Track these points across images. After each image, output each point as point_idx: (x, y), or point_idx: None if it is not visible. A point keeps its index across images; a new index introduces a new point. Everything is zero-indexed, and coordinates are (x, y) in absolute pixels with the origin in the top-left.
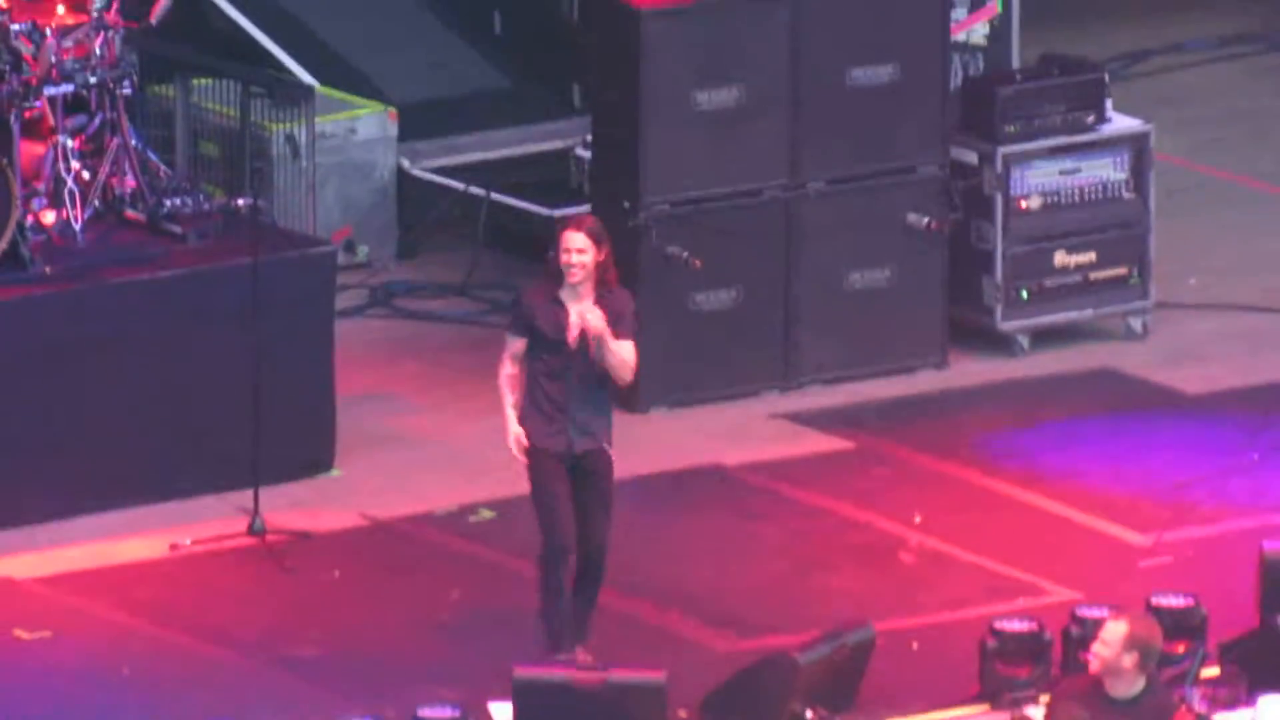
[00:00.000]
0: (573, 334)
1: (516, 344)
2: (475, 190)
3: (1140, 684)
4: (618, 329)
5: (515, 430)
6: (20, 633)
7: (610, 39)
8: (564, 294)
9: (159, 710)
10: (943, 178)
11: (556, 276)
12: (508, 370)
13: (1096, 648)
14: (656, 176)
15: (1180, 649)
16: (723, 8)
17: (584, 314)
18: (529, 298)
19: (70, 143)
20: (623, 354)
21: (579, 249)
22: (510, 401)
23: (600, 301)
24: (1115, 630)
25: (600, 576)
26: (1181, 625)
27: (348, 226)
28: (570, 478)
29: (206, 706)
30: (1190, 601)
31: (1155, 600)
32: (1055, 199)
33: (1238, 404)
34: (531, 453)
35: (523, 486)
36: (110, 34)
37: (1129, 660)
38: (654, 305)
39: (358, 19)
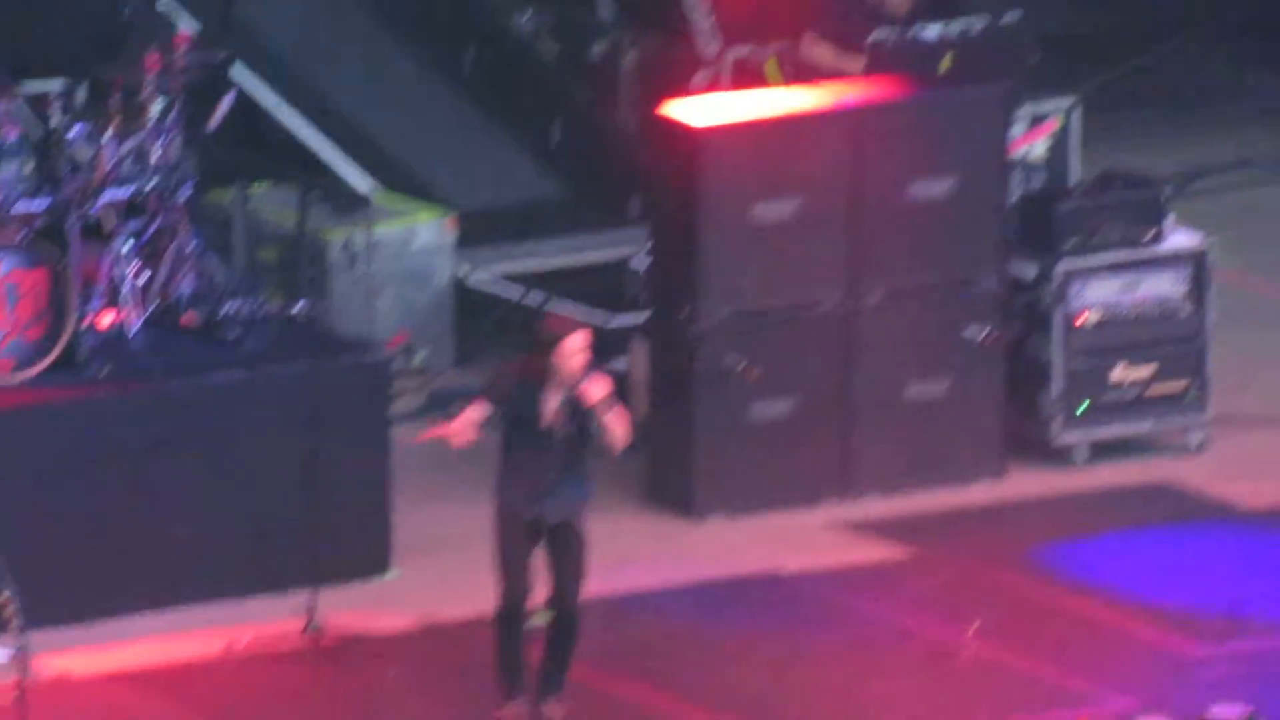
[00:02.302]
0: (556, 415)
1: (484, 410)
2: (531, 298)
3: None
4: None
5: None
6: None
7: (669, 154)
8: (548, 379)
9: None
10: (1000, 291)
11: (543, 367)
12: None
13: None
14: (714, 288)
15: None
16: (782, 124)
17: (589, 388)
18: (513, 372)
19: (128, 246)
20: (623, 421)
21: (584, 348)
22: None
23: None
24: None
25: (573, 635)
26: None
27: (405, 332)
28: (541, 543)
29: None
30: (1247, 710)
31: (1214, 711)
32: (1114, 313)
33: None
34: (503, 516)
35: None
36: (169, 139)
37: None
38: (711, 415)
39: (418, 126)
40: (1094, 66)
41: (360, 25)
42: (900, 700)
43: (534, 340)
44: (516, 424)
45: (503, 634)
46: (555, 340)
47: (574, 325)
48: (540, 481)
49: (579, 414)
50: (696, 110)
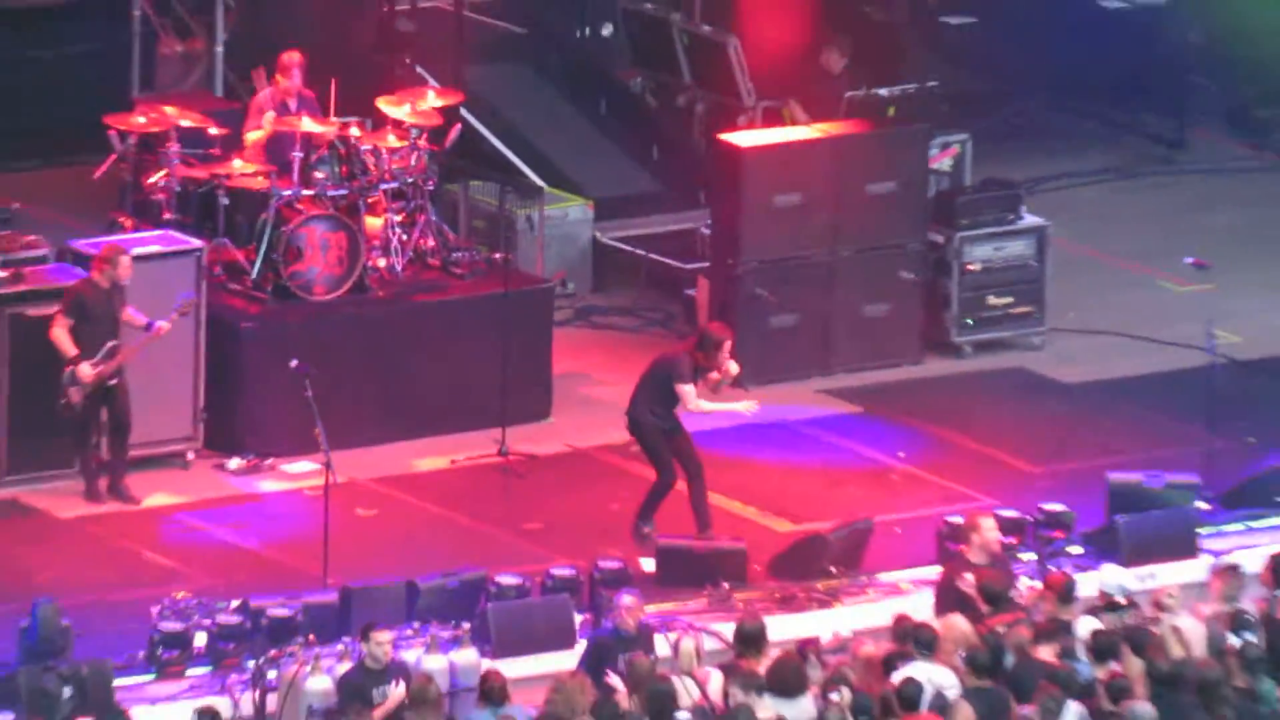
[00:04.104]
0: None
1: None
2: (639, 251)
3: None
4: None
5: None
6: (359, 511)
7: (723, 165)
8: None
9: (443, 558)
10: (922, 250)
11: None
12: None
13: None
14: (748, 246)
15: (1060, 535)
16: (793, 146)
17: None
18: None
19: (395, 218)
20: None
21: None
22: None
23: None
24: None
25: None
26: (1058, 522)
27: (561, 271)
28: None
29: (470, 556)
30: (1065, 508)
31: (1043, 505)
32: (989, 265)
33: (1099, 390)
34: (656, 429)
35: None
36: (420, 152)
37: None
38: (745, 324)
39: (572, 148)
40: (980, 113)
41: (539, 86)
42: (856, 498)
43: (703, 340)
44: (672, 395)
45: (656, 496)
46: (720, 343)
47: (729, 332)
48: (670, 418)
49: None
50: (740, 138)
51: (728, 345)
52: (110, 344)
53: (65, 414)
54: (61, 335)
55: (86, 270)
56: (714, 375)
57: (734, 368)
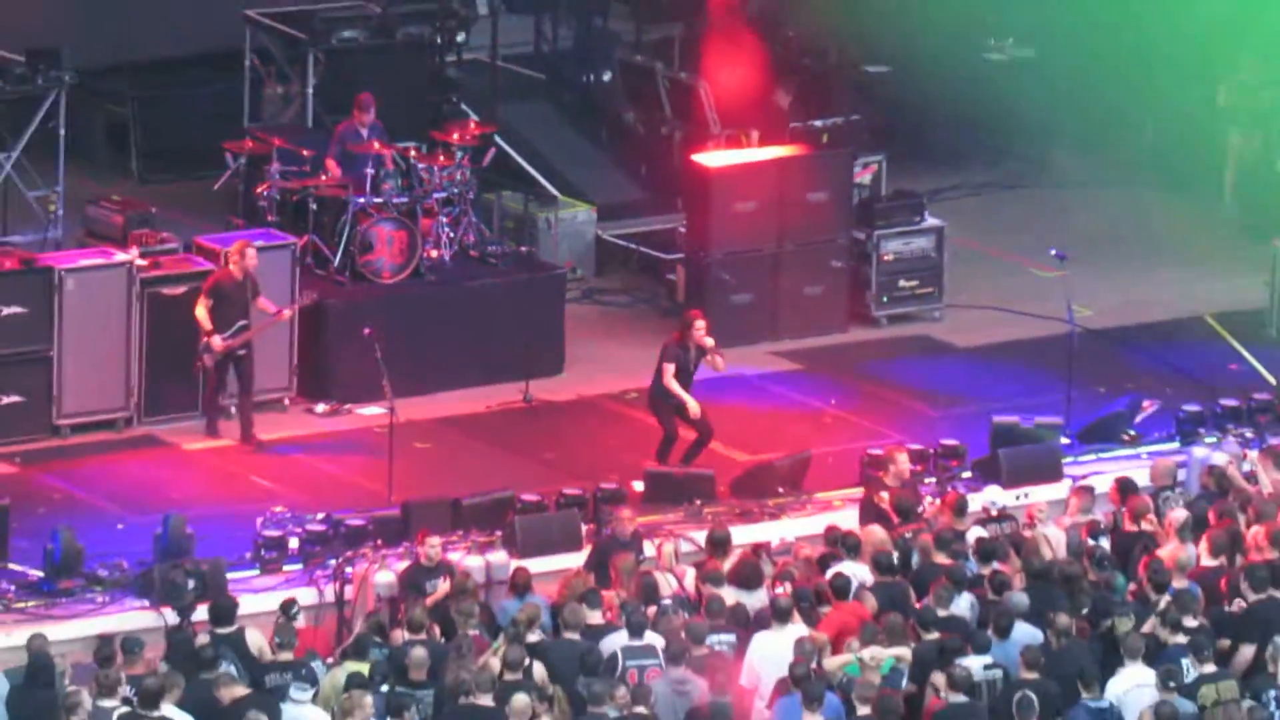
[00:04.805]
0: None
1: (673, 366)
2: (629, 244)
3: None
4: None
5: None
6: (417, 444)
7: (695, 180)
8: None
9: (481, 481)
10: (848, 245)
11: (685, 340)
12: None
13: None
14: (714, 240)
15: (955, 464)
16: (749, 167)
17: (712, 353)
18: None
19: (444, 219)
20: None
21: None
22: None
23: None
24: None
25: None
26: (953, 454)
27: (570, 261)
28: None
29: (501, 480)
30: (958, 443)
31: (942, 440)
32: (900, 255)
33: (985, 352)
34: (669, 405)
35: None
36: (464, 169)
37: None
38: (713, 301)
39: (579, 164)
40: (893, 140)
41: (555, 119)
42: (798, 435)
43: (680, 321)
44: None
45: (697, 449)
46: (690, 322)
47: (699, 313)
48: (690, 386)
49: (698, 359)
50: (708, 158)
51: (697, 323)
52: (241, 323)
53: (198, 374)
54: (202, 313)
55: (212, 261)
56: (713, 355)
57: (709, 341)
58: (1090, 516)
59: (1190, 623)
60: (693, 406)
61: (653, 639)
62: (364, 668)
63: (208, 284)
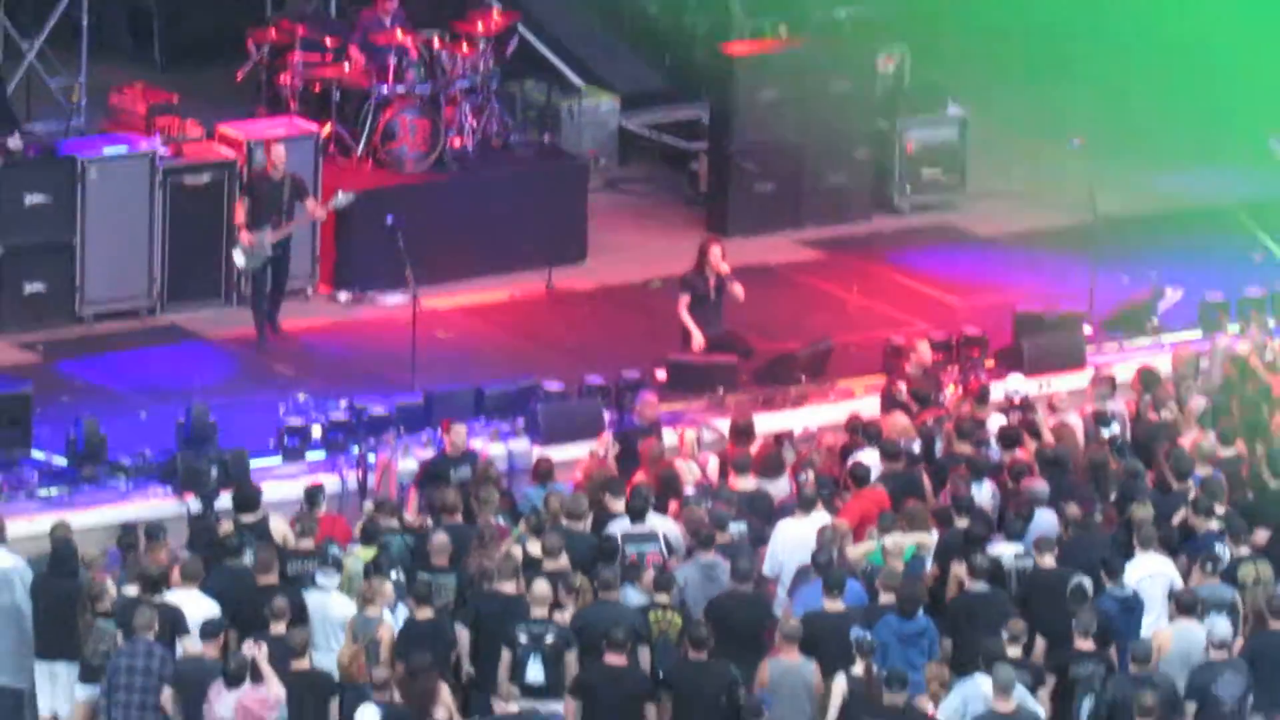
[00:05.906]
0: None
1: (688, 296)
2: (652, 133)
3: None
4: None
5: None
6: (439, 333)
7: (718, 69)
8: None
9: (504, 369)
10: (872, 134)
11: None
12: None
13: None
14: (740, 128)
15: (977, 353)
16: (771, 58)
17: (729, 280)
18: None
19: (467, 108)
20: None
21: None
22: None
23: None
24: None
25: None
26: (975, 343)
27: (593, 150)
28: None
29: (524, 368)
30: (980, 331)
31: (965, 329)
32: (924, 144)
33: (1008, 240)
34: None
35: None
36: (487, 58)
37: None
38: (736, 190)
39: (601, 52)
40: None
41: (574, 4)
42: (822, 320)
43: (699, 249)
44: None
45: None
46: (705, 248)
47: (717, 241)
48: (712, 320)
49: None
50: (732, 48)
51: (714, 249)
52: (275, 218)
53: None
54: (239, 210)
55: (235, 149)
56: (731, 283)
57: (725, 267)
58: (1107, 404)
59: (1219, 509)
60: (697, 339)
61: (655, 523)
62: (370, 554)
63: (248, 183)
